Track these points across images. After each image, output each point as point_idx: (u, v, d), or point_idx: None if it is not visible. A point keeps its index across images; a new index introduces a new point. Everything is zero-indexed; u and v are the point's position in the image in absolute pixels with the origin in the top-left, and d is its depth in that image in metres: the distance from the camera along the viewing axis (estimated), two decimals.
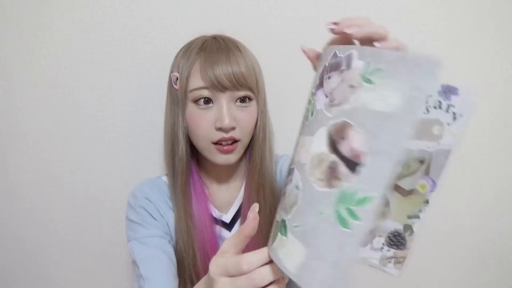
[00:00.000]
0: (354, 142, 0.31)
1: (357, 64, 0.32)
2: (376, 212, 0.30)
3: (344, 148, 0.32)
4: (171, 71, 0.64)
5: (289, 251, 0.35)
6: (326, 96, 0.35)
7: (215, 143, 0.61)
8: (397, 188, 0.41)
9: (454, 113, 0.37)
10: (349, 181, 0.31)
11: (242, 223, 0.67)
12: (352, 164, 0.31)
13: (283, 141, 0.88)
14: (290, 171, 0.38)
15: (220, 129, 0.59)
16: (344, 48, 0.34)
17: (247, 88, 0.60)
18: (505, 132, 0.90)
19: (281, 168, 0.74)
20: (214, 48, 0.60)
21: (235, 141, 0.61)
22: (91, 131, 0.86)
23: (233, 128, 0.60)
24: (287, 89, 0.85)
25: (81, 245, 0.94)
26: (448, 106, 0.37)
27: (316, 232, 0.33)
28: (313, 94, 0.37)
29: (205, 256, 0.65)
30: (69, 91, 0.84)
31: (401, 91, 0.29)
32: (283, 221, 0.37)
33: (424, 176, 0.40)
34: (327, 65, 0.36)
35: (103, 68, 0.83)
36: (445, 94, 0.37)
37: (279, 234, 0.37)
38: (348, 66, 0.33)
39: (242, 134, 0.62)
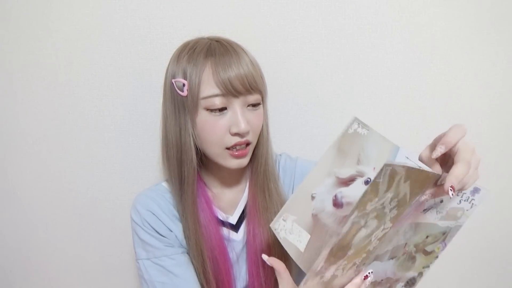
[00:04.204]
0: None
1: None
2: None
3: None
4: (172, 77, 0.61)
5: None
6: None
7: (229, 148, 0.61)
8: (424, 251, 0.54)
9: (472, 204, 0.50)
10: None
11: (248, 223, 0.68)
12: None
13: (283, 141, 0.88)
14: None
15: (236, 134, 0.59)
16: None
17: (258, 92, 0.60)
18: (505, 132, 0.90)
19: (284, 166, 0.74)
20: (222, 52, 0.59)
21: (247, 144, 0.62)
22: (91, 131, 0.86)
23: (248, 132, 0.60)
24: (287, 89, 0.85)
25: (81, 245, 0.94)
26: (471, 199, 0.50)
27: None
28: None
29: (214, 262, 0.65)
30: (69, 91, 0.84)
31: None
32: None
33: (441, 241, 0.54)
34: None
35: (103, 68, 0.83)
36: (472, 192, 0.49)
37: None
38: None
39: (254, 136, 0.62)
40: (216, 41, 0.62)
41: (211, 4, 0.80)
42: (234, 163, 0.62)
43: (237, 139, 0.60)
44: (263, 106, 0.64)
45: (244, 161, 0.63)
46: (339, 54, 0.83)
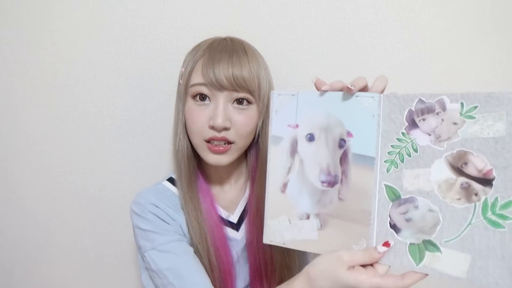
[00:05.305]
0: (479, 164, 0.43)
1: (453, 106, 0.45)
2: None
3: (471, 170, 0.43)
4: (181, 67, 0.65)
5: (449, 261, 0.44)
6: (429, 134, 0.46)
7: (207, 141, 0.61)
8: None
9: None
10: (486, 194, 0.42)
11: (248, 223, 0.67)
12: (484, 181, 0.43)
13: None
14: (404, 201, 0.47)
15: (212, 127, 0.59)
16: (430, 95, 0.47)
17: (246, 91, 0.60)
18: None
19: None
20: (219, 48, 0.61)
21: (229, 142, 0.61)
22: (91, 131, 0.86)
23: (226, 129, 0.60)
24: (287, 89, 0.85)
25: (81, 245, 0.94)
26: None
27: (473, 238, 0.43)
28: (405, 134, 0.47)
29: (219, 258, 0.64)
30: (69, 91, 0.84)
31: (502, 119, 0.42)
32: (427, 241, 0.45)
33: None
34: (413, 109, 0.47)
35: (103, 68, 0.83)
36: None
37: (427, 252, 0.45)
38: (443, 108, 0.46)
39: (237, 136, 0.61)
40: (223, 38, 0.64)
41: (211, 4, 0.80)
42: (212, 159, 0.62)
43: (213, 133, 0.59)
44: (257, 108, 0.63)
45: (223, 158, 0.62)
46: (339, 54, 0.83)
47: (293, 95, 0.52)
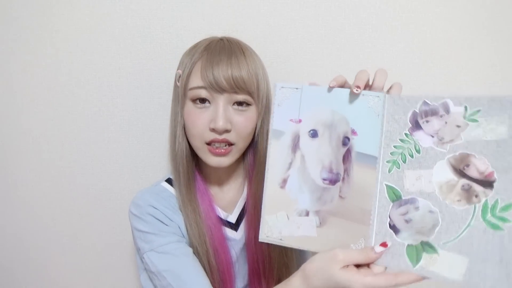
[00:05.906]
0: (481, 166, 0.43)
1: (456, 109, 0.45)
2: None
3: (473, 172, 0.44)
4: (177, 69, 0.65)
5: (447, 264, 0.43)
6: (432, 136, 0.46)
7: (208, 144, 0.61)
8: None
9: None
10: (486, 195, 0.42)
11: (247, 222, 0.68)
12: (485, 183, 0.43)
13: None
14: (404, 202, 0.47)
15: (213, 130, 0.59)
16: (434, 97, 0.47)
17: (245, 92, 0.60)
18: None
19: None
20: (217, 49, 0.60)
21: (230, 144, 0.61)
22: (91, 131, 0.86)
23: (227, 131, 0.60)
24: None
25: (81, 245, 0.94)
26: None
27: (471, 241, 0.42)
28: (409, 135, 0.48)
29: (218, 259, 0.64)
30: (69, 91, 0.84)
31: (504, 122, 0.42)
32: (425, 242, 0.45)
33: None
34: (417, 111, 0.48)
35: (103, 68, 0.83)
36: None
37: (424, 254, 0.45)
38: (447, 111, 0.46)
39: (238, 137, 0.61)
40: (220, 39, 0.64)
41: (211, 4, 0.80)
42: (213, 161, 0.62)
43: (214, 136, 0.59)
44: (256, 109, 0.63)
45: (224, 160, 0.62)
46: (339, 54, 0.83)
47: (297, 88, 0.52)
